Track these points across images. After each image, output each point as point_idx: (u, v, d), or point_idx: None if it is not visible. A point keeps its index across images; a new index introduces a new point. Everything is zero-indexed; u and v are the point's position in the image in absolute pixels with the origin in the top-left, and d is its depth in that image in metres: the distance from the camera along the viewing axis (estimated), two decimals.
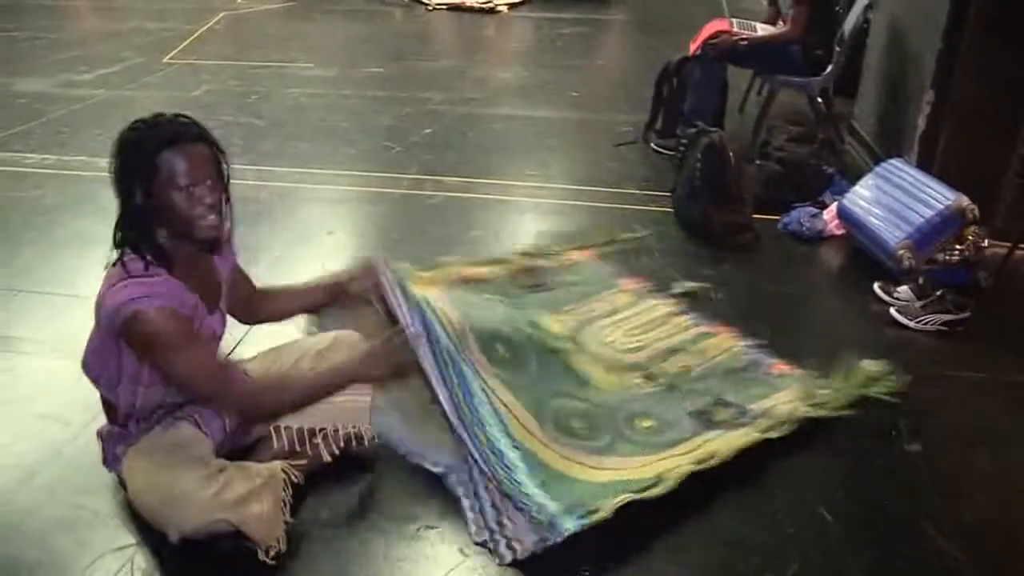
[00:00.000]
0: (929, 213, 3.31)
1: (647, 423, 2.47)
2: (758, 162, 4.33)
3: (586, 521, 2.00)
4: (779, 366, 2.75)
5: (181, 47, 7.58)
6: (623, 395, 2.58)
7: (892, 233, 3.36)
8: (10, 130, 5.24)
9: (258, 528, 1.93)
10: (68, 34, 8.42)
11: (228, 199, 2.00)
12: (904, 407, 2.57)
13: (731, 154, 3.80)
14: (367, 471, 2.34)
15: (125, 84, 6.36)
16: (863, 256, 3.60)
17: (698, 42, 4.92)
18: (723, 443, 2.31)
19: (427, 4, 9.64)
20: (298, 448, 2.21)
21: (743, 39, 4.77)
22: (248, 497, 1.93)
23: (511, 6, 9.59)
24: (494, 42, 8.51)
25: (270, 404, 2.08)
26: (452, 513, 2.17)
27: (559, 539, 1.98)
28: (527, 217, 4.14)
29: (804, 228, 3.82)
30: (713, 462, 2.23)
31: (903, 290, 3.20)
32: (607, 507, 2.02)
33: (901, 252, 3.28)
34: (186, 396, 2.08)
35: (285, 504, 2.05)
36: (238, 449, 2.22)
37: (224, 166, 1.98)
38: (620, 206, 4.17)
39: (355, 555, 2.07)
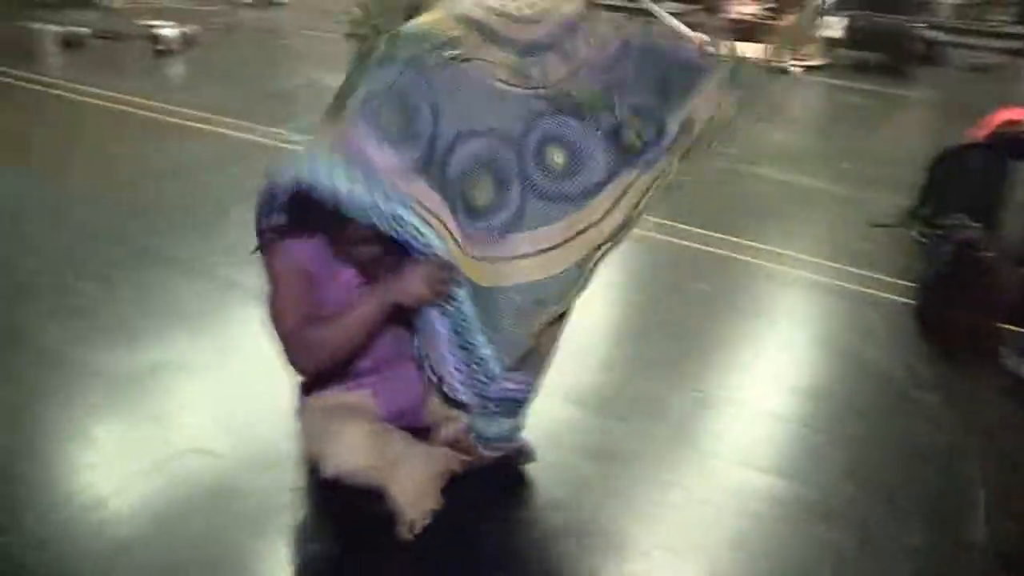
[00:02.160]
0: None
1: (559, 157, 2.22)
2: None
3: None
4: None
5: None
6: (527, 106, 2.23)
7: None
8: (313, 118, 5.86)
9: (404, 493, 2.11)
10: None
11: None
12: None
13: (985, 255, 3.53)
14: (522, 480, 2.45)
15: None
16: None
17: (985, 130, 4.60)
18: (638, 192, 2.24)
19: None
20: (462, 442, 2.33)
21: None
22: (403, 461, 2.11)
23: (807, 68, 9.39)
24: (777, 102, 8.36)
25: (315, 340, 2.14)
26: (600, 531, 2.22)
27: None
28: (756, 281, 4.07)
29: None
30: (627, 230, 2.25)
31: None
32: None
33: None
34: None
35: (437, 487, 2.19)
36: (408, 431, 2.38)
37: None
38: (857, 288, 4.00)
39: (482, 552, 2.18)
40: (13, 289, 3.50)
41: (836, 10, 10.07)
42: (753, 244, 4.43)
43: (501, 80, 2.17)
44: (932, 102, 8.87)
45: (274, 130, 5.81)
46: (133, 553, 2.19)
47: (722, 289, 3.92)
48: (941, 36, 10.44)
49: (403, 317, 2.24)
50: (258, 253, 2.16)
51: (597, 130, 2.21)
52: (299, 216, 2.10)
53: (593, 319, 3.48)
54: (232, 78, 7.56)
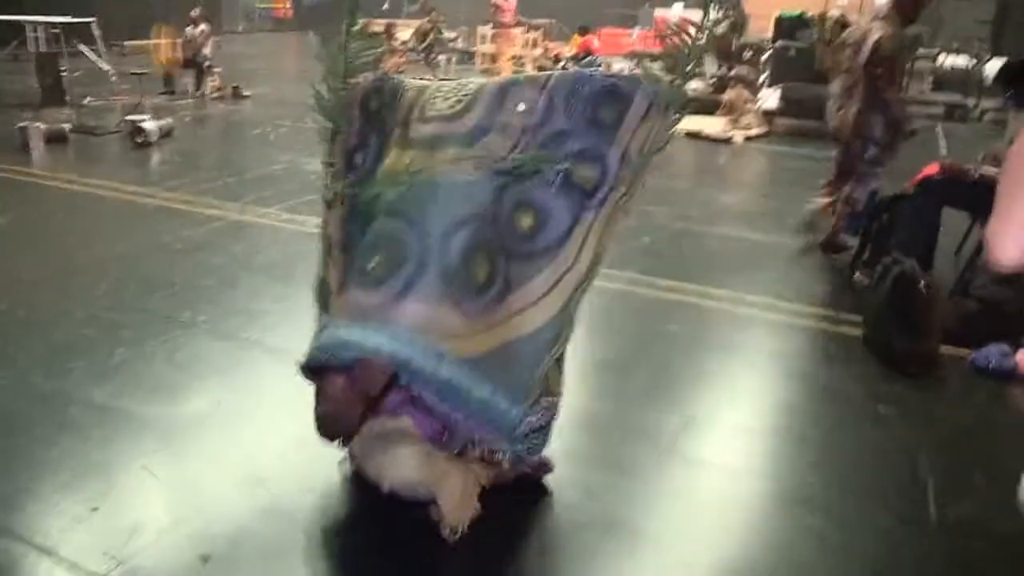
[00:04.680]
0: None
1: (527, 220, 2.57)
2: (956, 299, 4.49)
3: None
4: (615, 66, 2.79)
5: None
6: (490, 184, 2.57)
7: None
8: (301, 198, 6.28)
9: (450, 503, 2.47)
10: None
11: None
12: None
13: (922, 286, 4.01)
14: (542, 488, 2.84)
15: None
16: None
17: (913, 181, 5.14)
18: (599, 230, 2.59)
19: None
20: (488, 459, 2.71)
21: (973, 171, 4.81)
22: (447, 475, 2.48)
23: (748, 138, 10.08)
24: (724, 169, 9.00)
25: None
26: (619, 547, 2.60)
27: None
28: (721, 321, 4.53)
29: (991, 364, 3.95)
30: (599, 265, 2.63)
31: None
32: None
33: None
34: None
35: (475, 496, 2.57)
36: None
37: None
38: (812, 324, 4.48)
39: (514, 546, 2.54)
40: (51, 353, 3.81)
41: (772, 83, 10.83)
42: (715, 291, 4.90)
43: (461, 172, 2.57)
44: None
45: (262, 210, 6.20)
46: (214, 565, 2.52)
47: (692, 330, 4.37)
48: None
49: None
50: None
51: (551, 184, 2.56)
52: None
53: (584, 358, 3.90)
54: (214, 165, 7.98)
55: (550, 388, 2.74)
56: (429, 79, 2.93)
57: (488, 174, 2.55)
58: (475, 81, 2.79)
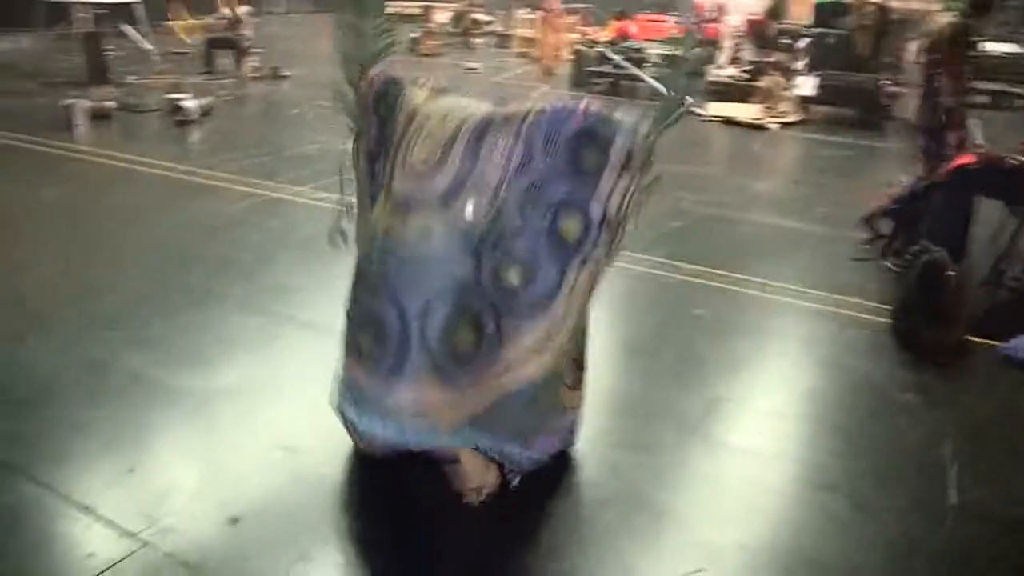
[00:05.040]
0: None
1: (514, 276, 2.51)
2: (989, 288, 4.46)
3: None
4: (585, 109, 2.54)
5: None
6: (470, 245, 2.51)
7: None
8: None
9: (472, 464, 2.68)
10: None
11: None
12: None
13: (951, 275, 4.00)
14: (567, 467, 2.93)
15: None
16: None
17: (948, 168, 5.11)
18: (587, 285, 2.58)
19: (701, 115, 10.29)
20: None
21: (1009, 160, 4.81)
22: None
23: (783, 124, 10.02)
24: (757, 156, 8.96)
25: None
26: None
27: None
28: (749, 308, 4.55)
29: (1020, 354, 3.93)
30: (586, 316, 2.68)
31: None
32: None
33: None
34: None
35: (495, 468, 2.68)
36: None
37: None
38: (840, 311, 4.48)
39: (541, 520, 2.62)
40: (93, 323, 3.93)
41: (809, 71, 10.73)
42: (744, 277, 4.91)
43: (432, 245, 2.49)
44: (898, 151, 9.47)
45: (298, 188, 6.30)
46: (243, 526, 2.62)
47: (720, 314, 4.39)
48: (905, 92, 11.09)
49: None
50: None
51: (537, 237, 2.50)
52: None
53: (612, 342, 3.96)
54: (252, 143, 8.08)
55: (563, 404, 2.84)
56: (439, 89, 2.77)
57: (462, 240, 2.49)
58: (464, 108, 2.63)
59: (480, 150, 2.50)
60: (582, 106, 2.47)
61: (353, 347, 2.69)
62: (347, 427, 2.81)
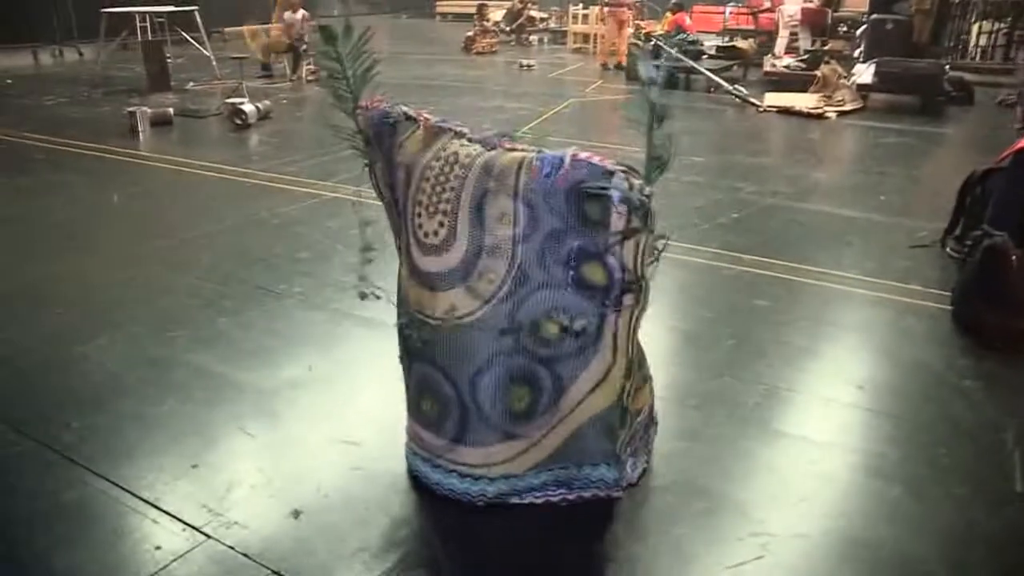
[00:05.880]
0: None
1: (554, 328, 2.50)
2: None
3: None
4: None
5: (531, 124, 8.74)
6: (502, 320, 2.52)
7: None
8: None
9: None
10: (444, 107, 9.94)
11: None
12: None
13: (1014, 259, 3.92)
14: None
15: None
16: None
17: (1007, 153, 5.01)
18: (627, 329, 2.55)
19: (759, 106, 10.18)
20: None
21: None
22: None
23: (841, 113, 9.87)
24: (816, 145, 8.83)
25: None
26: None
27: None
28: (807, 297, 4.51)
29: None
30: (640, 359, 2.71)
31: None
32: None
33: None
34: None
35: None
36: None
37: None
38: (898, 298, 4.42)
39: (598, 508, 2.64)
40: (159, 322, 4.06)
41: (866, 58, 10.56)
42: (802, 266, 4.87)
43: (463, 324, 2.52)
44: (959, 137, 9.27)
45: (354, 188, 6.38)
46: (305, 519, 2.69)
47: (778, 304, 4.37)
48: (967, 76, 10.87)
49: None
50: None
51: (565, 286, 2.47)
52: None
53: (670, 331, 3.98)
54: (309, 145, 8.22)
55: (635, 407, 2.80)
56: (431, 129, 2.70)
57: (492, 308, 2.51)
58: (458, 161, 2.55)
59: (484, 220, 2.48)
60: (570, 154, 2.42)
61: (415, 408, 2.80)
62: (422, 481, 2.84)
